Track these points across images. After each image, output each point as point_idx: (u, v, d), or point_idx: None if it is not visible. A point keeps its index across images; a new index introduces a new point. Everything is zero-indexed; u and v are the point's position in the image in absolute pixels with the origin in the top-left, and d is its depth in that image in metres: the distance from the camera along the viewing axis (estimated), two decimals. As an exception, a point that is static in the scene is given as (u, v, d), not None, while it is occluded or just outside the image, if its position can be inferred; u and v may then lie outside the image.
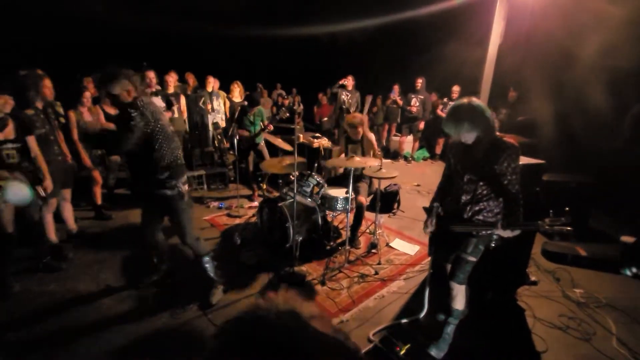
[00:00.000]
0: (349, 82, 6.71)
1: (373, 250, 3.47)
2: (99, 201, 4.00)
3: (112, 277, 2.88)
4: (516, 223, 1.83)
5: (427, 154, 7.72)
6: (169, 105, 4.25)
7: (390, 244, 3.64)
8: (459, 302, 2.14)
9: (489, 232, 1.95)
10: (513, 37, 5.01)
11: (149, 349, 2.15)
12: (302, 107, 9.26)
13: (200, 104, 5.37)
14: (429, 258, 3.02)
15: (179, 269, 3.01)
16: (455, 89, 6.61)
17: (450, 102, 6.65)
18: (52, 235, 3.16)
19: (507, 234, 1.83)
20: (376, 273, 3.08)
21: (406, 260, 3.35)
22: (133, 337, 2.21)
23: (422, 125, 7.07)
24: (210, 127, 5.52)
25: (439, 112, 6.99)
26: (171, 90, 4.90)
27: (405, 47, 8.77)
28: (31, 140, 2.69)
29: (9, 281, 2.65)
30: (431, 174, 6.48)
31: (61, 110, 3.83)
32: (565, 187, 3.89)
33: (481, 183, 1.95)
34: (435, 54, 7.31)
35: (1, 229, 2.50)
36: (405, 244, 3.67)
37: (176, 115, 4.80)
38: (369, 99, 8.33)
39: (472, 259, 2.03)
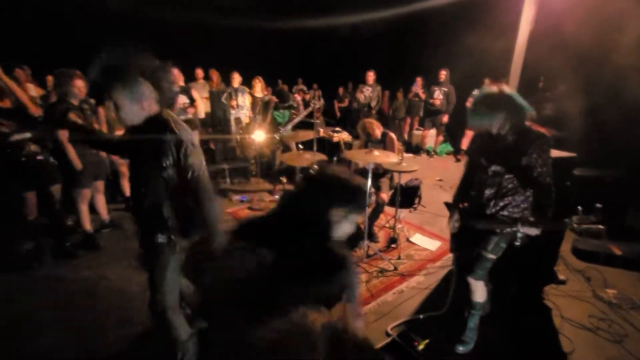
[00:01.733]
0: (370, 76, 6.64)
1: (392, 245, 3.45)
2: (128, 193, 4.21)
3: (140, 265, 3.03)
4: (542, 220, 1.75)
5: (450, 149, 7.51)
6: (192, 101, 4.37)
7: (411, 239, 3.60)
8: (479, 295, 2.10)
9: (513, 229, 1.88)
10: (543, 23, 4.74)
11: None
12: (322, 101, 9.27)
13: (223, 99, 5.48)
14: (451, 254, 2.97)
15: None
16: (488, 82, 6.32)
17: None
18: (87, 225, 3.35)
19: (533, 231, 1.74)
20: (395, 268, 3.06)
21: (427, 256, 3.31)
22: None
23: (445, 118, 6.88)
24: (233, 123, 5.64)
25: (468, 105, 6.74)
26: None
27: (428, 37, 8.51)
28: (62, 134, 2.88)
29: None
30: (454, 169, 6.31)
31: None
32: (600, 182, 3.67)
33: (507, 176, 1.86)
34: (460, 44, 7.07)
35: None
36: (426, 239, 3.62)
37: (199, 110, 4.93)
38: (387, 93, 8.20)
39: (492, 256, 1.97)
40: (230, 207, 4.39)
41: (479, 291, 2.09)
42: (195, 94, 4.81)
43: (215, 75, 6.10)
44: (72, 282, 2.77)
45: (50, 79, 4.63)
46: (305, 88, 9.82)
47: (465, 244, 2.17)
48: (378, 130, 3.53)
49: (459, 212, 2.13)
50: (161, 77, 1.54)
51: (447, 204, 2.24)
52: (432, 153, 7.25)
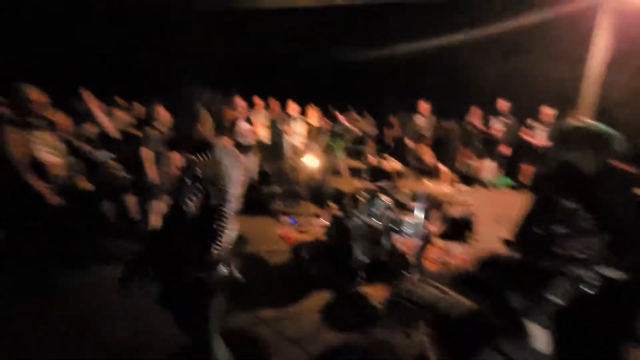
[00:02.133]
0: (423, 106, 6.64)
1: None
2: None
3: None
4: (626, 263, 1.58)
5: (510, 182, 7.04)
6: (253, 128, 4.76)
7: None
8: (541, 343, 1.91)
9: (587, 272, 1.72)
10: (620, 52, 4.42)
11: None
12: (374, 129, 9.38)
13: (280, 126, 5.87)
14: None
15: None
16: (547, 111, 5.98)
17: (539, 126, 6.03)
18: None
19: (614, 274, 1.57)
20: (444, 304, 2.91)
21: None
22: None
23: (504, 149, 6.53)
24: (288, 148, 5.98)
25: (525, 136, 6.36)
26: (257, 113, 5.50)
27: (485, 66, 8.32)
28: (144, 151, 3.34)
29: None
30: (514, 203, 5.85)
31: None
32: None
33: (583, 213, 1.73)
34: (520, 73, 6.79)
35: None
36: (479, 277, 3.40)
37: (260, 135, 5.36)
38: (442, 124, 8.05)
39: (557, 300, 1.81)
40: (279, 229, 4.58)
41: (541, 338, 1.91)
42: (255, 121, 5.24)
43: (274, 104, 6.58)
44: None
45: (137, 106, 5.42)
46: (356, 115, 10.04)
47: (525, 283, 2.02)
48: (429, 159, 3.52)
49: (521, 248, 2.00)
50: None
51: (506, 241, 2.13)
52: (489, 185, 6.86)
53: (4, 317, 2.59)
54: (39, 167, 2.71)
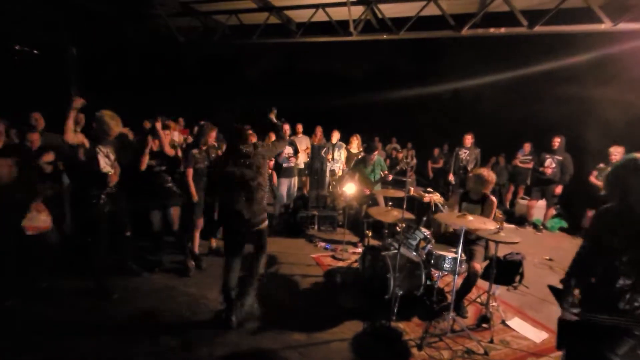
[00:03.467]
0: (468, 139, 6.48)
1: (484, 325, 3.06)
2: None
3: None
4: None
5: (564, 225, 6.46)
6: (296, 152, 4.97)
7: (507, 323, 3.14)
8: None
9: None
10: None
11: None
12: (415, 160, 9.27)
13: (322, 153, 6.04)
14: (560, 352, 2.46)
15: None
16: (616, 150, 5.46)
17: (607, 167, 5.52)
18: (196, 248, 3.99)
19: None
20: (486, 353, 2.69)
21: (528, 347, 2.82)
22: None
23: (559, 189, 6.06)
24: (328, 174, 6.10)
25: (592, 179, 5.79)
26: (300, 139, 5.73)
27: (537, 100, 7.97)
28: (189, 172, 3.65)
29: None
30: (570, 249, 5.33)
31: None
32: None
33: None
34: (577, 108, 6.39)
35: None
36: (527, 326, 3.11)
37: (299, 160, 5.56)
38: (492, 159, 7.77)
39: (624, 365, 1.60)
40: (314, 253, 4.60)
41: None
42: (299, 146, 5.46)
43: (319, 130, 6.81)
44: (181, 295, 3.27)
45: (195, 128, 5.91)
46: (398, 146, 10.02)
47: (582, 340, 1.79)
48: (487, 190, 3.31)
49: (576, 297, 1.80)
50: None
51: (552, 288, 1.94)
52: (541, 227, 6.34)
53: (63, 319, 2.81)
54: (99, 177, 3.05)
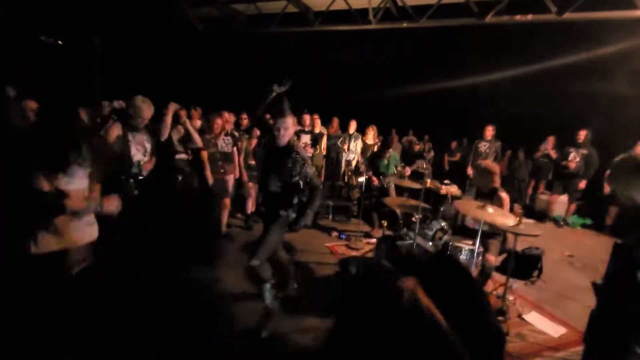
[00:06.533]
0: (489, 131, 6.32)
1: (499, 318, 3.02)
2: (249, 211, 4.92)
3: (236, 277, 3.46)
4: None
5: (587, 221, 6.25)
6: (314, 143, 4.98)
7: (524, 316, 3.09)
8: None
9: None
10: None
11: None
12: (432, 153, 9.12)
13: (338, 143, 6.03)
14: (580, 348, 2.40)
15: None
16: None
17: None
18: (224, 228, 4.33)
19: None
20: (501, 344, 2.66)
21: (545, 342, 2.78)
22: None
23: (582, 184, 5.86)
24: (343, 164, 6.08)
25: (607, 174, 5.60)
26: (317, 130, 5.72)
27: (562, 92, 7.64)
28: (203, 154, 3.82)
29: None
30: (592, 246, 5.20)
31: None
32: None
33: None
34: (604, 100, 6.09)
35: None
36: (545, 320, 3.06)
37: (317, 151, 5.56)
38: (508, 152, 7.55)
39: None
40: (328, 242, 4.63)
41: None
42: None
43: (335, 121, 6.79)
44: (199, 278, 3.38)
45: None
46: (415, 139, 9.87)
47: (613, 334, 1.73)
48: (495, 182, 3.24)
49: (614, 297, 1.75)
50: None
51: (595, 285, 1.86)
52: (562, 223, 6.16)
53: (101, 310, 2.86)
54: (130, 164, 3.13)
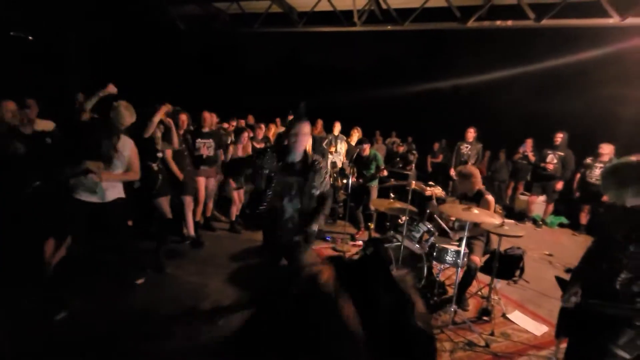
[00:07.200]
0: (470, 133, 6.45)
1: (485, 318, 3.07)
2: (233, 217, 4.79)
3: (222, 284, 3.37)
4: None
5: (564, 221, 6.47)
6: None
7: (508, 316, 3.15)
8: None
9: None
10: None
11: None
12: (416, 155, 9.22)
13: (324, 144, 5.99)
14: (561, 346, 2.46)
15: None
16: (606, 148, 5.47)
17: (597, 165, 5.52)
18: (191, 230, 4.08)
19: None
20: (487, 345, 2.69)
21: (528, 340, 2.83)
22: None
23: (559, 185, 6.06)
24: (329, 166, 6.05)
25: (588, 177, 5.79)
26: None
27: (540, 97, 7.92)
28: (167, 153, 3.71)
29: (162, 262, 3.45)
30: (570, 245, 5.39)
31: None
32: None
33: None
34: (582, 105, 6.36)
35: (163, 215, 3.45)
36: (528, 319, 3.12)
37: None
38: (488, 153, 7.74)
39: (624, 355, 1.60)
40: (314, 244, 4.58)
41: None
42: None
43: (319, 123, 6.75)
44: (183, 282, 3.26)
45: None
46: (399, 140, 9.98)
47: (582, 330, 1.81)
48: (476, 184, 3.30)
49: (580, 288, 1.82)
50: None
51: (559, 279, 1.95)
52: (540, 223, 6.36)
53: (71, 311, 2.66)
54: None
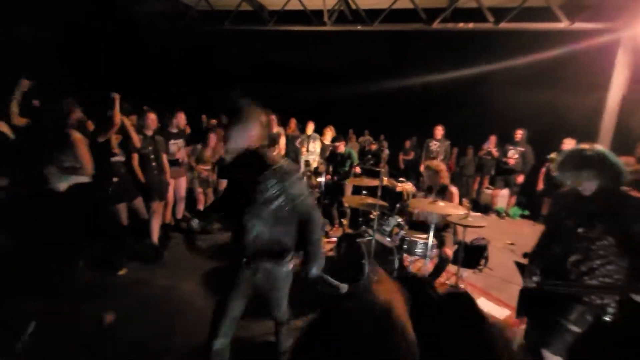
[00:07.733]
0: (438, 131, 6.70)
1: (453, 306, 3.22)
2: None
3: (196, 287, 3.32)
4: None
5: (525, 212, 6.90)
6: (273, 143, 4.92)
7: (474, 303, 3.32)
8: None
9: (604, 300, 1.69)
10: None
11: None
12: (387, 152, 9.45)
13: (297, 144, 6.01)
14: (521, 327, 2.64)
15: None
16: (569, 142, 5.90)
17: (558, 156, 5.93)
18: (154, 238, 3.86)
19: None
20: (454, 330, 2.83)
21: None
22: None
23: (520, 179, 6.45)
24: (302, 165, 6.08)
25: (543, 170, 6.21)
26: (274, 130, 5.66)
27: (503, 95, 8.37)
28: (134, 157, 3.55)
29: (119, 263, 3.34)
30: (530, 234, 5.73)
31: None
32: None
33: (599, 241, 1.71)
34: (539, 103, 6.79)
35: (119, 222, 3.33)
36: (492, 305, 3.31)
37: (275, 152, 5.51)
38: (455, 150, 8.08)
39: (575, 329, 1.75)
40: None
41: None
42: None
43: (292, 122, 6.77)
44: (154, 287, 3.16)
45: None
46: (371, 139, 10.17)
47: (539, 308, 1.96)
48: (443, 178, 3.47)
49: (539, 270, 1.97)
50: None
51: (517, 264, 2.11)
52: (504, 214, 6.73)
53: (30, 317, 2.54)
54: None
